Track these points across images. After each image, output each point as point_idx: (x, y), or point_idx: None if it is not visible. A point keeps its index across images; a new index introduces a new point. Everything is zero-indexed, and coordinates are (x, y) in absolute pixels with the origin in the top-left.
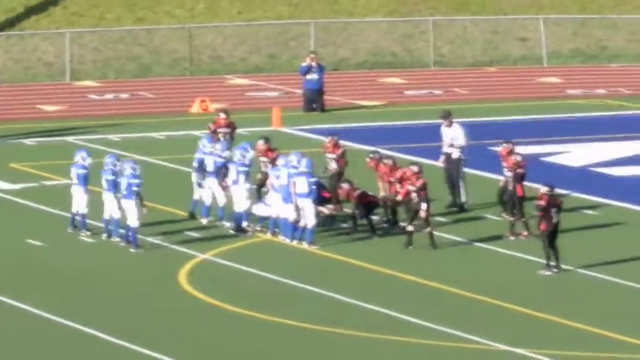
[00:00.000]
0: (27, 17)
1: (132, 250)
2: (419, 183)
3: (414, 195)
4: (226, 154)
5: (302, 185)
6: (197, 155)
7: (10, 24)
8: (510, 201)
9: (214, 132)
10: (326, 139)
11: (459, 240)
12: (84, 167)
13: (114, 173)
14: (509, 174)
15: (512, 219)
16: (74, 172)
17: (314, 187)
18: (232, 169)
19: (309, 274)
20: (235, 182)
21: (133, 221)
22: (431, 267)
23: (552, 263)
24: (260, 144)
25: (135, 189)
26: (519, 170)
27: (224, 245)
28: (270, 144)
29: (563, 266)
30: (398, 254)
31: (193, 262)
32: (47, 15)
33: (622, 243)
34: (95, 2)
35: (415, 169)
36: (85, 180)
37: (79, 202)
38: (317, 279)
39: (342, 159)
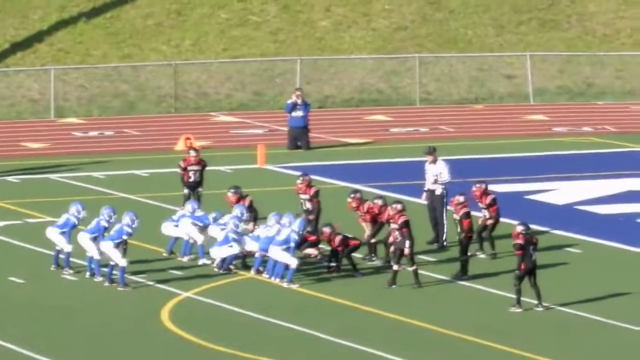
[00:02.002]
0: (12, 53)
1: (119, 288)
2: (400, 220)
3: (397, 233)
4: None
5: (286, 239)
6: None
7: None
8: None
9: (185, 169)
10: (298, 180)
11: (441, 278)
12: (76, 218)
13: (107, 222)
14: (485, 212)
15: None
16: (64, 219)
17: (292, 245)
18: (220, 232)
19: (292, 313)
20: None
21: (121, 261)
22: (413, 305)
23: (535, 301)
24: (230, 195)
25: (125, 237)
26: (464, 210)
27: (207, 284)
28: (240, 192)
29: (546, 304)
30: (380, 292)
31: (175, 300)
32: (32, 52)
33: (606, 281)
34: (81, 38)
35: (398, 207)
36: (72, 229)
37: (62, 242)
38: (301, 318)
39: (315, 199)
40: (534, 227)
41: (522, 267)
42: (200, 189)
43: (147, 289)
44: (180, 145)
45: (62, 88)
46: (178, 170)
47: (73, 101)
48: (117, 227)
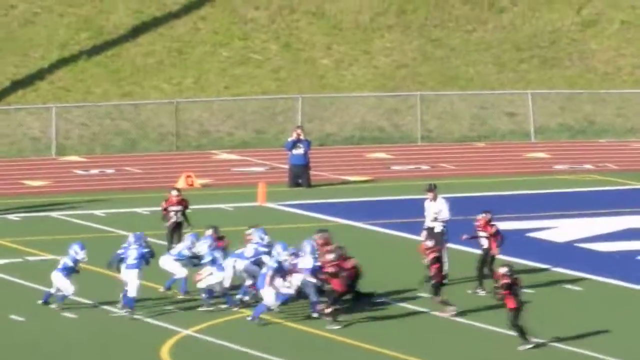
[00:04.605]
0: (13, 91)
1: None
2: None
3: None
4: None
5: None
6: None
7: None
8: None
9: (165, 210)
10: (315, 236)
11: (441, 315)
12: (74, 261)
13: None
14: (485, 241)
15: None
16: (63, 261)
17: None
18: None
19: (292, 350)
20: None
21: (132, 291)
22: (414, 343)
23: (532, 339)
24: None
25: (149, 257)
26: (433, 255)
27: (207, 321)
28: (218, 232)
29: (542, 340)
30: (380, 330)
31: (175, 338)
32: (33, 90)
33: (607, 318)
34: (82, 76)
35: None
36: (70, 271)
37: (62, 284)
38: (301, 355)
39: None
40: (535, 264)
41: (511, 306)
42: (183, 230)
43: (147, 326)
44: (181, 183)
45: (63, 126)
46: (160, 209)
47: (74, 139)
48: (133, 253)
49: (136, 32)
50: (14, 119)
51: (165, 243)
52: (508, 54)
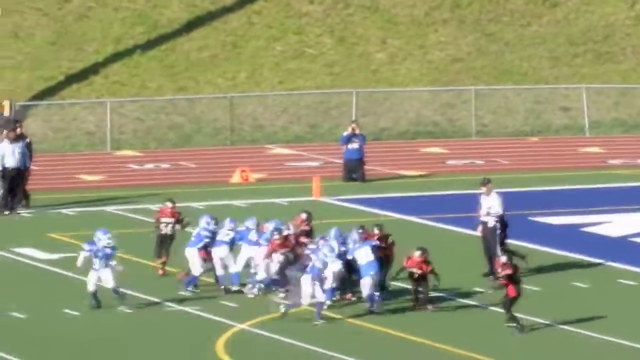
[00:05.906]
0: (67, 85)
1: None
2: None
3: None
4: None
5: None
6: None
7: (51, 92)
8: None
9: (157, 220)
10: (374, 230)
11: (497, 310)
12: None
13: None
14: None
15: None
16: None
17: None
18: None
19: (347, 345)
20: None
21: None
22: (473, 339)
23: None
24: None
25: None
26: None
27: (261, 315)
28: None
29: (605, 337)
30: (430, 323)
31: (230, 332)
32: (87, 84)
33: None
34: (136, 71)
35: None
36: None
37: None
38: (356, 349)
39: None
40: (589, 259)
41: (512, 294)
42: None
43: (202, 321)
44: (236, 178)
45: (118, 120)
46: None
47: (129, 134)
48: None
49: (190, 26)
50: (68, 113)
51: None
52: (562, 48)
